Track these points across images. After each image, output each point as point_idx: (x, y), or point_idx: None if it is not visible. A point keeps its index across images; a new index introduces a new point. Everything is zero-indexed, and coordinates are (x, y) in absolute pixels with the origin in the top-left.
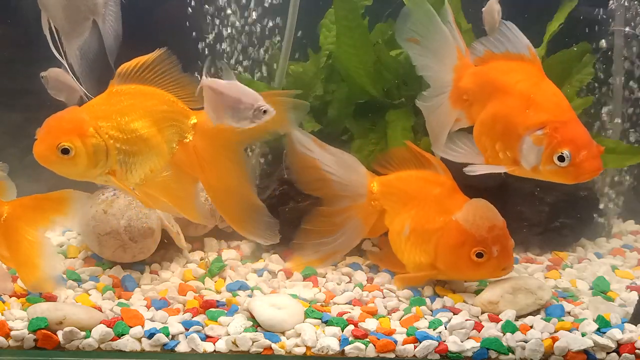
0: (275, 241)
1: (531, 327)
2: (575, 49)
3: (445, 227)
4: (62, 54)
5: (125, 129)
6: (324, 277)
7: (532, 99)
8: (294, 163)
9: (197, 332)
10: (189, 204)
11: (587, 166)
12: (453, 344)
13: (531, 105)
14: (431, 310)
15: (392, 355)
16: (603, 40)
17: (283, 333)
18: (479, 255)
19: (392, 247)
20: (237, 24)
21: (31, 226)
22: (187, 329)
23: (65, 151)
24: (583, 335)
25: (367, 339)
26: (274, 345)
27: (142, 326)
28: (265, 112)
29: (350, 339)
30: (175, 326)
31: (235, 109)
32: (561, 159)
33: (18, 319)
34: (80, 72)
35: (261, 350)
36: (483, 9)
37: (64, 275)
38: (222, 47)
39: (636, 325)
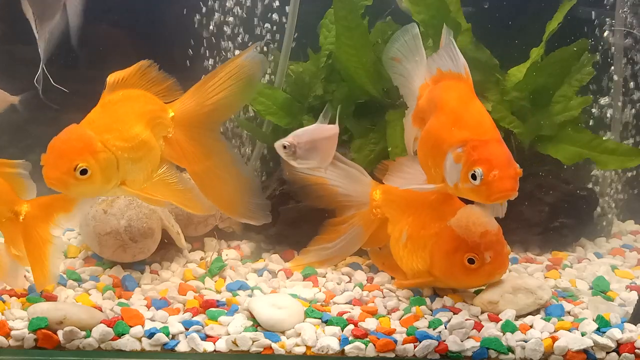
0: (267, 221)
1: (531, 326)
2: (575, 48)
3: (440, 233)
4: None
5: (127, 137)
6: (324, 277)
7: (459, 117)
8: (296, 183)
9: (197, 331)
10: (191, 196)
11: (498, 186)
12: (453, 343)
13: (457, 123)
14: (431, 310)
15: (392, 355)
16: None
17: (283, 333)
18: (471, 261)
19: (392, 254)
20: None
21: (47, 225)
22: (187, 329)
23: (84, 172)
24: (583, 334)
25: (367, 339)
26: (274, 345)
27: (142, 326)
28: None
29: (350, 338)
30: (175, 326)
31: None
32: (474, 177)
33: (18, 319)
34: (46, 54)
35: (261, 349)
36: None
37: (64, 275)
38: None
39: (636, 325)
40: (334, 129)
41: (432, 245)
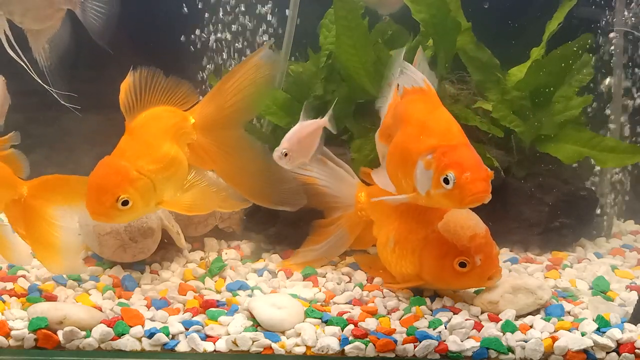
0: (302, 205)
1: (531, 326)
2: (576, 45)
3: (428, 238)
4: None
5: (158, 158)
6: (324, 277)
7: (426, 126)
8: None
9: (197, 331)
10: (225, 195)
11: (471, 188)
12: (453, 343)
13: (424, 132)
14: (431, 310)
15: (392, 355)
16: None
17: (283, 333)
18: (462, 265)
19: (380, 258)
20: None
21: (49, 207)
22: (187, 329)
23: (125, 203)
24: (583, 335)
25: (367, 339)
26: (274, 345)
27: (142, 326)
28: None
29: (350, 338)
30: (175, 326)
31: None
32: (446, 181)
33: (18, 319)
34: (49, 65)
35: (261, 349)
36: None
37: (64, 275)
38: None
39: (636, 325)
40: (317, 122)
41: (421, 250)
